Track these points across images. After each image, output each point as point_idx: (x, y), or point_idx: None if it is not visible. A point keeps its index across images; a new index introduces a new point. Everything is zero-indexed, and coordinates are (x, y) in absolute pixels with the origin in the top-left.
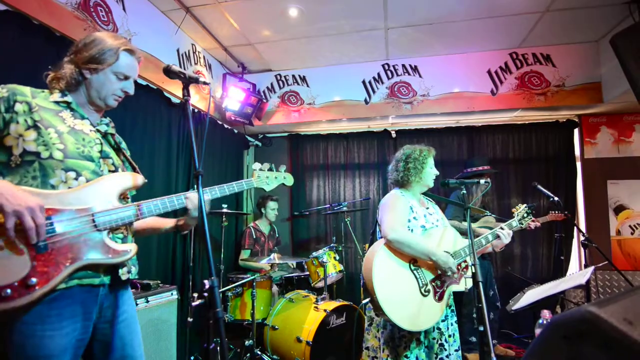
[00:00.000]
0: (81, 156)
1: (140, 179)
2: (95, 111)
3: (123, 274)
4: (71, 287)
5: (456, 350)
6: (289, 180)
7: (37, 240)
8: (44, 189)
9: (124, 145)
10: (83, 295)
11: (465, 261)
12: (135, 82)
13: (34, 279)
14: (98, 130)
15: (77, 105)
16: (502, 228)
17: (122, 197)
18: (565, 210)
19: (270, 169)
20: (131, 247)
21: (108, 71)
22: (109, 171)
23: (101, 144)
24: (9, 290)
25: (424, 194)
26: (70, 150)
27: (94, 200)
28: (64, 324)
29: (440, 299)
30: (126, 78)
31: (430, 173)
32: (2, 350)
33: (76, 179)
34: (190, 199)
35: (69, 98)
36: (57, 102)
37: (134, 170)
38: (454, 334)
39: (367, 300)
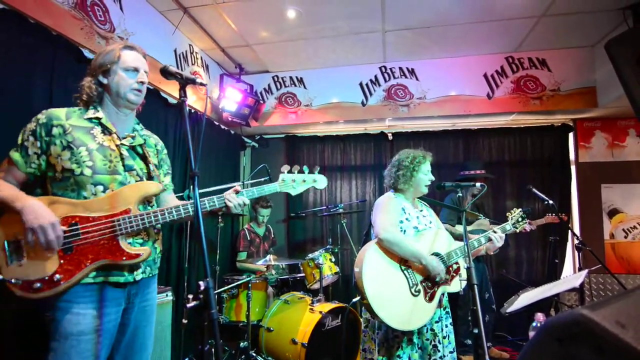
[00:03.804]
0: (108, 171)
1: (156, 187)
2: (127, 115)
3: (137, 274)
4: (100, 282)
5: (451, 352)
6: (321, 182)
7: (52, 249)
8: (78, 200)
9: (152, 150)
10: (114, 286)
11: (457, 263)
12: None
13: (58, 276)
14: (123, 144)
15: (107, 120)
16: (494, 231)
17: (146, 203)
18: (561, 214)
19: (301, 171)
20: (143, 251)
21: (117, 69)
22: (135, 181)
23: (122, 159)
24: (39, 284)
25: (419, 197)
26: (98, 167)
27: (115, 208)
28: (96, 305)
29: (431, 299)
30: (135, 70)
31: (422, 180)
32: (48, 328)
33: (104, 191)
34: (229, 199)
35: (100, 114)
36: (90, 119)
37: (149, 178)
38: (448, 336)
39: (357, 298)
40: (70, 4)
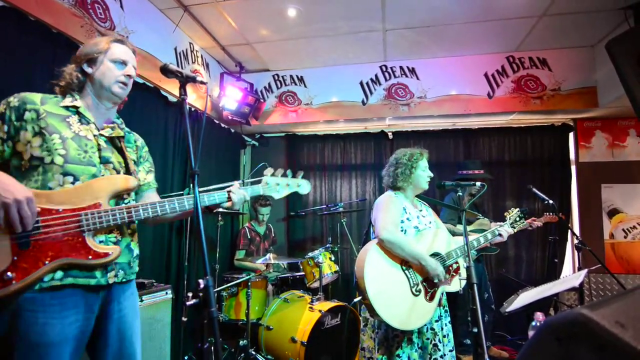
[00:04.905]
0: (82, 162)
1: (131, 182)
2: (109, 109)
3: (110, 277)
4: (68, 285)
5: (450, 351)
6: (305, 187)
7: (21, 229)
8: (42, 190)
9: (131, 145)
10: (84, 289)
11: (457, 262)
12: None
13: (10, 274)
14: (102, 135)
15: (85, 109)
16: (501, 226)
17: (118, 199)
18: (559, 213)
19: (284, 175)
20: (113, 250)
21: (105, 60)
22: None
23: (100, 150)
24: None
25: (418, 196)
26: (71, 156)
27: (83, 201)
28: (65, 314)
29: (431, 299)
30: (124, 63)
31: (421, 176)
32: (8, 339)
33: (73, 183)
34: (234, 191)
35: (78, 102)
36: (66, 107)
37: (127, 172)
38: (448, 335)
39: (358, 298)
40: (70, 2)
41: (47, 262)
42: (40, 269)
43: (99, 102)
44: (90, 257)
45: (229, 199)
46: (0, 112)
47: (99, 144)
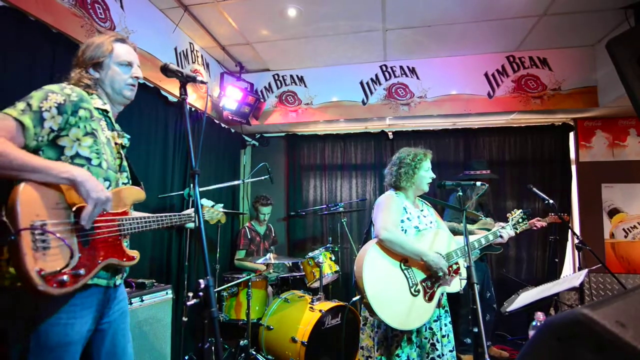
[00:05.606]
0: (113, 168)
1: (143, 196)
2: (117, 112)
3: (117, 279)
4: (92, 285)
5: (450, 351)
6: (222, 219)
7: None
8: None
9: None
10: (99, 289)
11: (457, 263)
12: None
13: (82, 270)
14: (119, 144)
15: (112, 115)
16: (503, 227)
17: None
18: (560, 213)
19: (213, 205)
20: (137, 255)
21: (111, 63)
22: (123, 183)
23: (121, 158)
24: (66, 277)
25: (420, 196)
26: (109, 162)
27: (116, 206)
28: (84, 313)
29: (430, 299)
30: (129, 64)
31: (424, 177)
32: (23, 342)
33: (108, 188)
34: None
35: (108, 107)
36: (97, 109)
37: (135, 182)
38: (448, 335)
39: (357, 297)
40: (70, 2)
41: (100, 261)
42: (96, 267)
43: (112, 105)
44: (124, 259)
45: (192, 221)
46: (59, 103)
47: (120, 152)
